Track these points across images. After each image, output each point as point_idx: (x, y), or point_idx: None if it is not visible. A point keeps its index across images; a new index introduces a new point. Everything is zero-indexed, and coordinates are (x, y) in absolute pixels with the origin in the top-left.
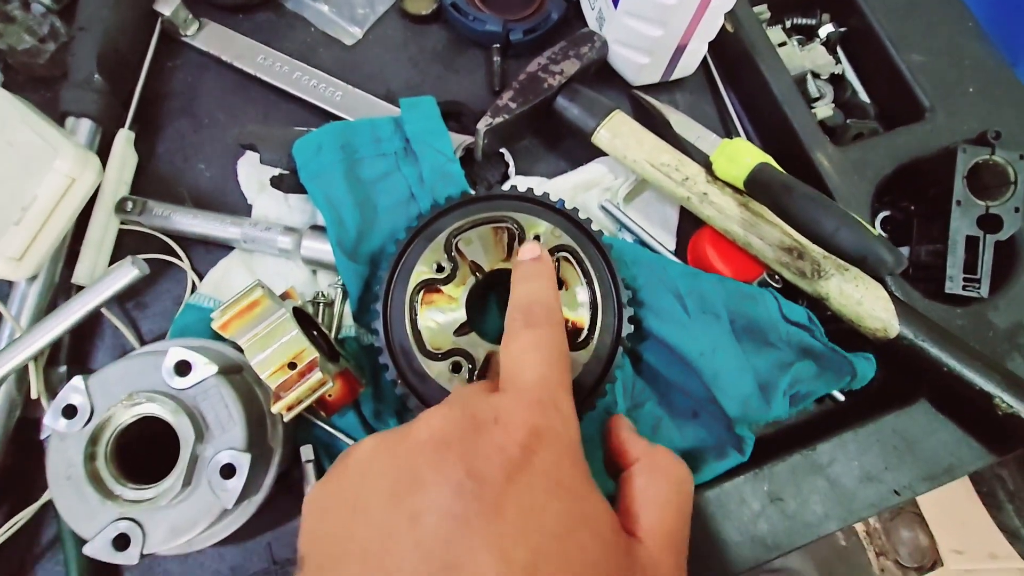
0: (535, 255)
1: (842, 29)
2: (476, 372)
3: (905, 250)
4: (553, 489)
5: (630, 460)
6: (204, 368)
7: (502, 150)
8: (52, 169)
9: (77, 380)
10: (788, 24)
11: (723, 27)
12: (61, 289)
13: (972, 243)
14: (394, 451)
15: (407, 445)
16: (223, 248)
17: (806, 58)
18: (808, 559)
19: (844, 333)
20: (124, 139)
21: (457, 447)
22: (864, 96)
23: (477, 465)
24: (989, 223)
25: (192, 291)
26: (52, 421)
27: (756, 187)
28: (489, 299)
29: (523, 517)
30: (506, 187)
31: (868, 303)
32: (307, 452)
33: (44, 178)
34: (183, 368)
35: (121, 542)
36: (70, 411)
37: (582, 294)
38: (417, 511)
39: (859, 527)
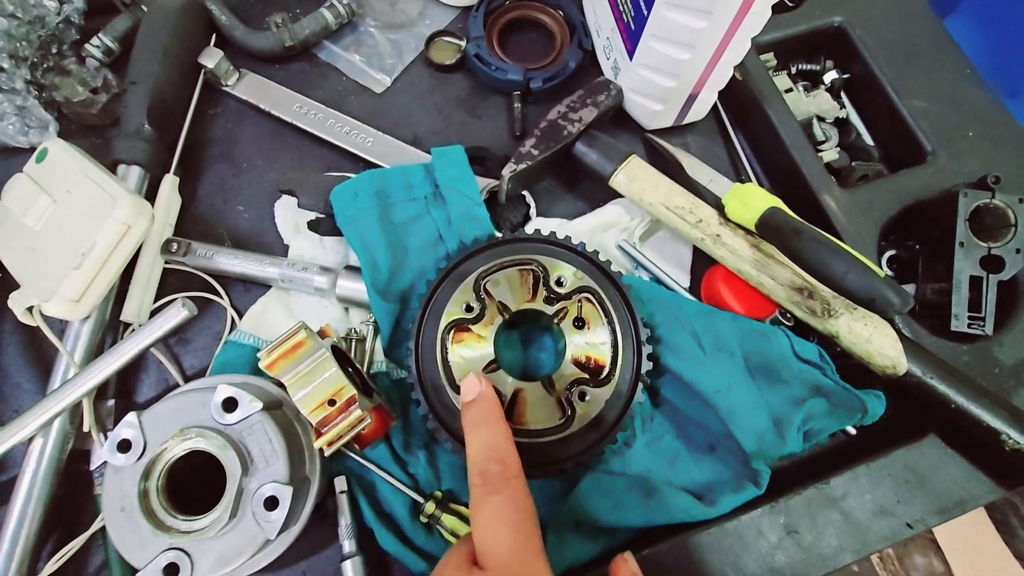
0: (474, 394)
1: (845, 75)
2: (504, 407)
3: (911, 288)
4: None
5: None
6: (249, 405)
7: (524, 192)
8: (111, 217)
9: (131, 416)
10: (794, 71)
11: (733, 75)
12: (110, 326)
13: (976, 283)
14: None
15: None
16: (260, 287)
17: (812, 103)
18: None
19: (854, 369)
20: (170, 184)
21: None
22: (868, 139)
23: None
24: (992, 264)
25: (232, 328)
26: (108, 455)
27: (767, 230)
28: (516, 337)
29: None
30: (530, 230)
31: (877, 341)
32: (341, 483)
33: (103, 225)
34: (230, 405)
35: (171, 571)
36: (125, 445)
37: (603, 334)
38: None
39: None
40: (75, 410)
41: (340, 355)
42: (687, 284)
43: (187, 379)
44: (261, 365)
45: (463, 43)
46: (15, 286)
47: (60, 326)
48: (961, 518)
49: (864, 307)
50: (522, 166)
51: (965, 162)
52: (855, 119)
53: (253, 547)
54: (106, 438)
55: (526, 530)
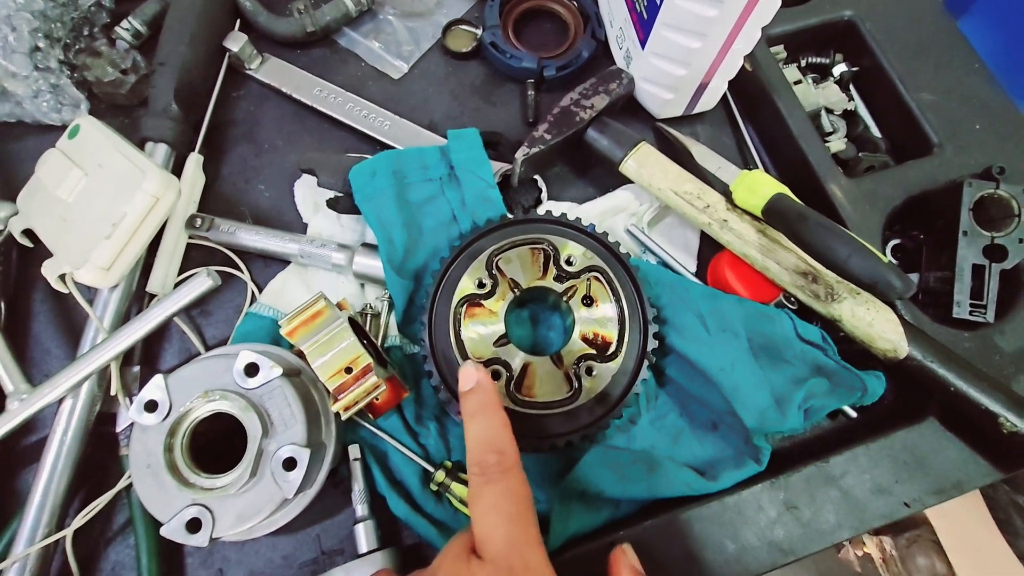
0: (471, 384)
1: (854, 68)
2: (514, 380)
3: (914, 277)
4: None
5: None
6: (270, 370)
7: (536, 177)
8: (140, 190)
9: (158, 378)
10: (803, 63)
11: (743, 66)
12: (136, 297)
13: (979, 271)
14: None
15: None
16: (280, 262)
17: (820, 95)
18: None
19: (856, 354)
20: (194, 162)
21: None
22: (876, 131)
23: None
24: (995, 253)
25: (252, 301)
26: (136, 415)
27: (773, 215)
28: (525, 316)
29: None
30: (541, 211)
31: (879, 325)
32: (355, 451)
33: (133, 197)
34: (252, 370)
35: (193, 525)
36: (152, 405)
37: (611, 311)
38: None
39: (875, 553)
40: (103, 375)
41: (356, 327)
42: (694, 269)
43: (208, 349)
44: (282, 332)
45: (479, 31)
46: (47, 256)
47: (89, 295)
48: (964, 517)
49: (867, 290)
50: (535, 150)
51: (971, 154)
52: (863, 111)
53: (271, 506)
54: (132, 402)
55: (523, 519)
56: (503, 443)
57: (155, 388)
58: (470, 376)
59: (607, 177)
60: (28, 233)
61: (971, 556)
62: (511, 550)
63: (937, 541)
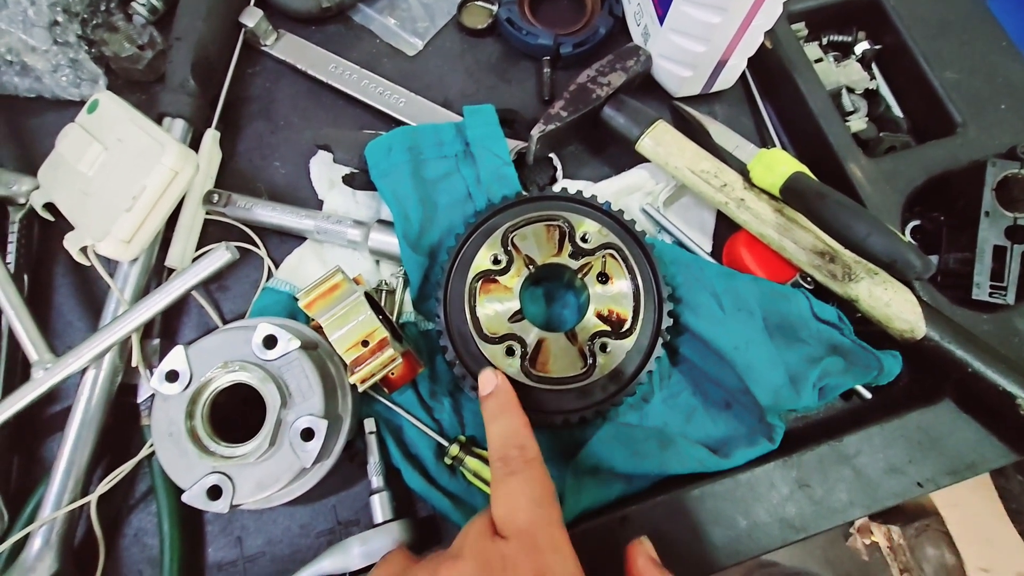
0: (490, 388)
1: (877, 47)
2: (528, 356)
3: (934, 258)
4: None
5: None
6: (288, 342)
7: (551, 155)
8: (159, 163)
9: (179, 349)
10: (825, 41)
11: (762, 43)
12: (155, 271)
13: (1000, 252)
14: None
15: None
16: (296, 239)
17: (841, 74)
18: (830, 574)
19: (873, 335)
20: (211, 138)
21: None
22: (897, 111)
23: None
24: (1017, 234)
25: (268, 276)
26: (157, 384)
27: (791, 194)
28: (541, 289)
29: None
30: (556, 189)
31: (896, 305)
32: (370, 424)
33: (152, 171)
34: (270, 342)
35: (214, 492)
36: (173, 376)
37: (626, 288)
38: None
39: (882, 542)
40: (123, 347)
41: (372, 302)
42: (709, 249)
43: (226, 323)
44: (300, 304)
45: (495, 7)
46: (68, 229)
47: (110, 269)
48: (975, 507)
49: (885, 269)
50: (551, 127)
51: (995, 134)
52: (885, 90)
53: (290, 475)
54: (152, 374)
55: (545, 503)
56: (524, 439)
57: (176, 358)
58: (489, 380)
59: (623, 156)
60: (49, 207)
61: (981, 547)
62: (536, 528)
63: (946, 532)
